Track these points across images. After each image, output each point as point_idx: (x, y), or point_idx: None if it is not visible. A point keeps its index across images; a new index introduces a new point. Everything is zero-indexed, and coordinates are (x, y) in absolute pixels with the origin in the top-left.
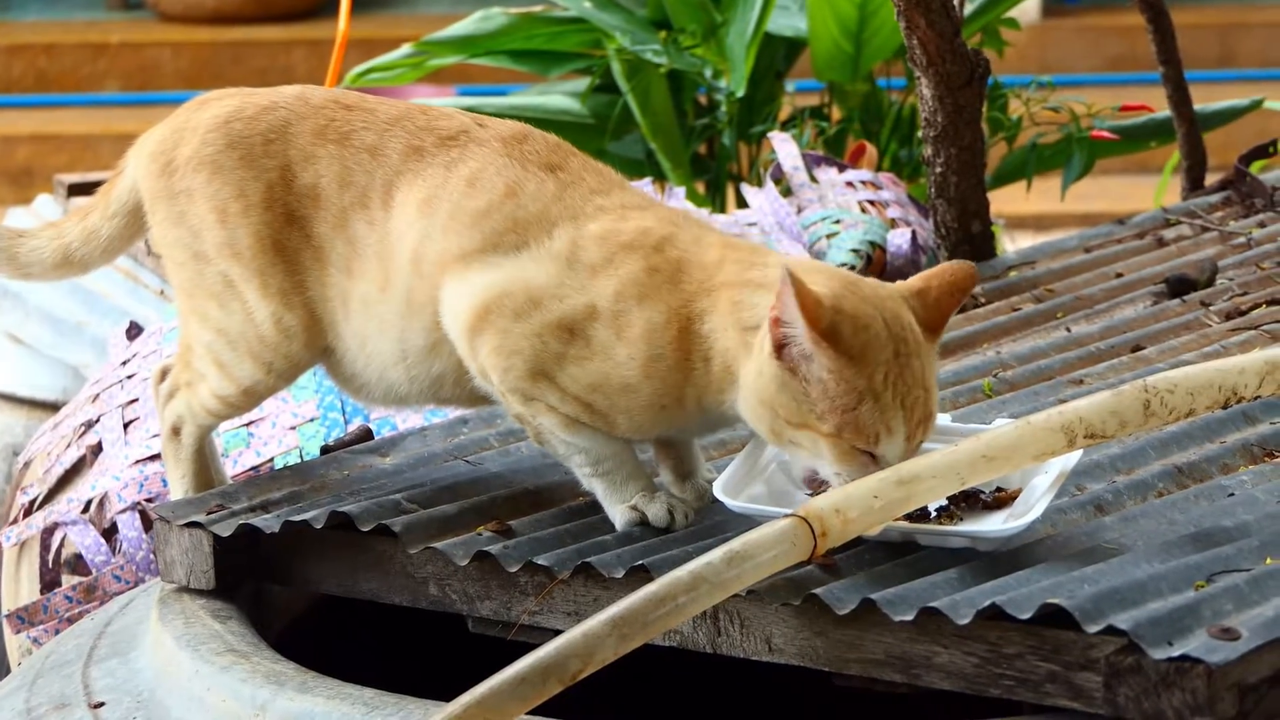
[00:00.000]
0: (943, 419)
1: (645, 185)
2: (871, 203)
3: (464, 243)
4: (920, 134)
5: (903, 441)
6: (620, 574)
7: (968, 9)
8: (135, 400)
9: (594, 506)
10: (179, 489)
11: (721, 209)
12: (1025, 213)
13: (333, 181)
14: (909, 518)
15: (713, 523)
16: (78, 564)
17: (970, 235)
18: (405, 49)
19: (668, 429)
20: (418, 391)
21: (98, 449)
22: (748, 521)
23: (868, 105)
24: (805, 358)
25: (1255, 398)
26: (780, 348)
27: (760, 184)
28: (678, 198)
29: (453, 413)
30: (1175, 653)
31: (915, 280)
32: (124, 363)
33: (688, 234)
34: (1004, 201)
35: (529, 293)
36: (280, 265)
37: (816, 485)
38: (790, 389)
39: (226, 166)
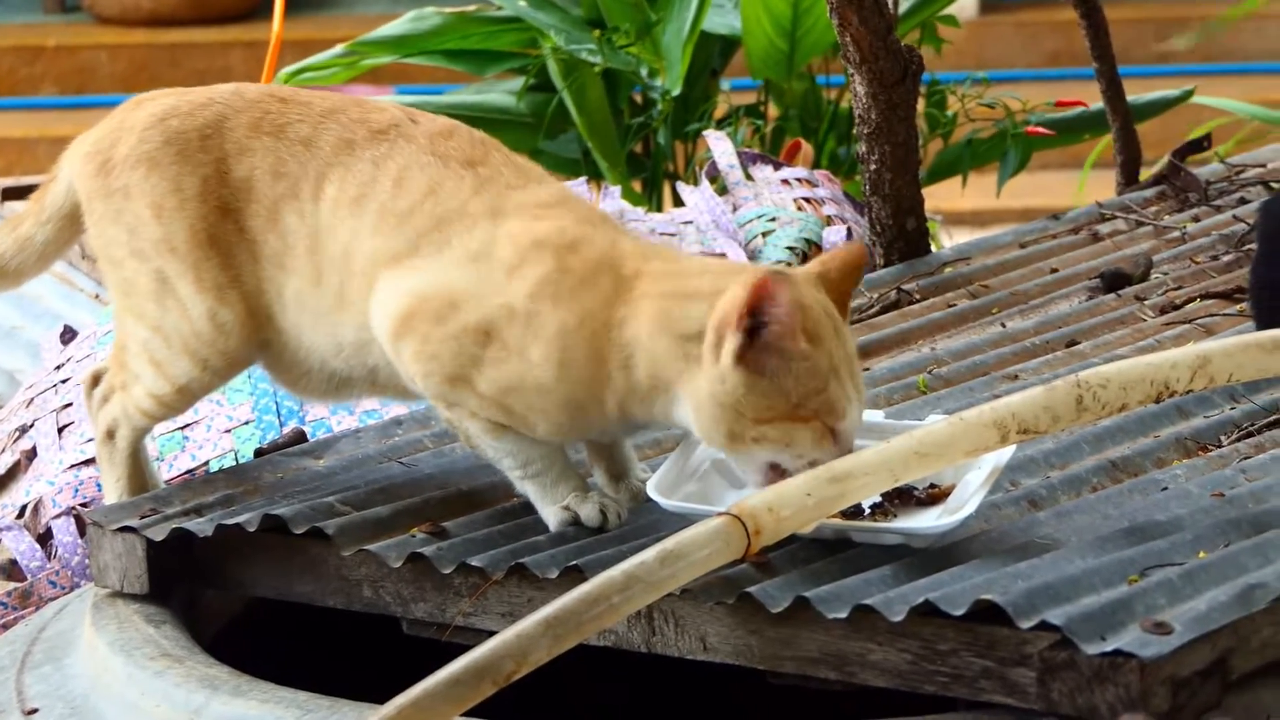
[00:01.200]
0: (875, 416)
1: (580, 184)
2: (807, 200)
3: (393, 245)
4: (855, 131)
5: (857, 413)
6: (554, 574)
7: (904, 6)
8: (70, 405)
9: (528, 507)
10: (114, 493)
11: (658, 207)
12: (963, 209)
13: (266, 174)
14: (843, 515)
15: (646, 522)
16: (12, 570)
17: (905, 232)
18: (339, 49)
19: (588, 432)
20: (358, 379)
21: (32, 454)
22: (681, 520)
23: (803, 103)
24: (778, 354)
25: (1188, 391)
26: (743, 351)
27: (696, 182)
28: (613, 196)
29: (387, 413)
30: (1108, 648)
31: (812, 265)
32: (58, 367)
33: (604, 236)
34: (942, 198)
35: (449, 296)
36: (215, 260)
37: (779, 478)
38: (759, 389)
39: (163, 162)
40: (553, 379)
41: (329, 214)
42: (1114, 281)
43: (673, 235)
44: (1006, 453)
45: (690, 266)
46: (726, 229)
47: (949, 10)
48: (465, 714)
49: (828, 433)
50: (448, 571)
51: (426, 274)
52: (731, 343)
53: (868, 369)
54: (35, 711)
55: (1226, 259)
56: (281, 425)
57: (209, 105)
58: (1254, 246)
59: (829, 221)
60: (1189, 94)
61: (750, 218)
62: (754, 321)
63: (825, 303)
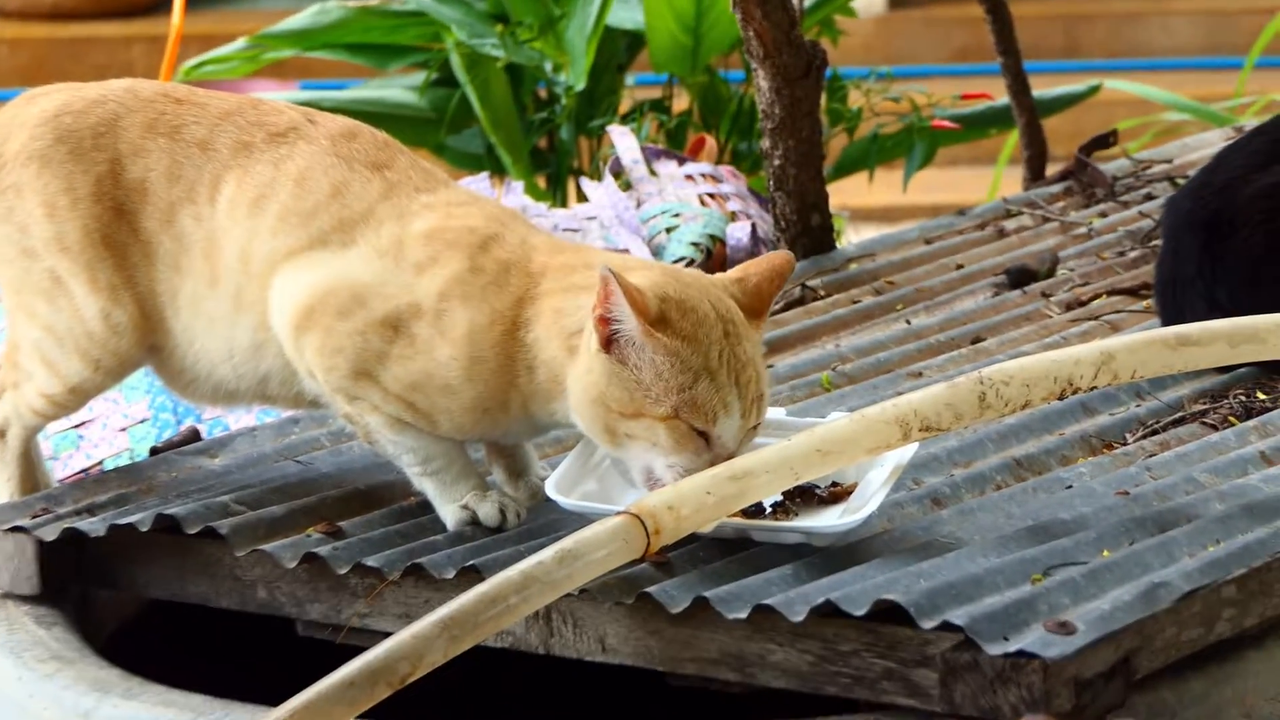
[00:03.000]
0: (778, 413)
1: (483, 180)
2: (711, 196)
3: (292, 243)
4: (759, 126)
5: (738, 419)
6: (451, 574)
7: (809, 1)
8: None
9: (425, 506)
10: (5, 492)
11: (562, 203)
12: (872, 205)
13: (161, 176)
14: (744, 514)
15: (545, 521)
16: None
17: (809, 228)
18: (240, 42)
19: (492, 432)
20: (246, 389)
21: None
22: (580, 520)
23: (708, 98)
24: (635, 347)
25: (1092, 388)
26: (608, 342)
27: (600, 178)
28: (516, 192)
29: (284, 412)
30: (1011, 648)
31: (734, 271)
32: None
33: (514, 235)
34: (850, 194)
35: (354, 291)
36: (109, 260)
37: (655, 484)
38: (621, 379)
39: (55, 160)
40: (460, 379)
41: (225, 217)
42: (1019, 278)
43: (576, 231)
44: (909, 451)
45: (589, 259)
46: (630, 225)
47: (856, 5)
48: (360, 716)
49: (693, 434)
50: (343, 572)
51: (331, 268)
52: (595, 333)
53: (771, 365)
54: None
55: (1133, 255)
56: (178, 423)
57: (103, 103)
58: (1159, 243)
59: (733, 217)
60: (1096, 89)
61: (654, 214)
62: (608, 315)
63: (726, 305)
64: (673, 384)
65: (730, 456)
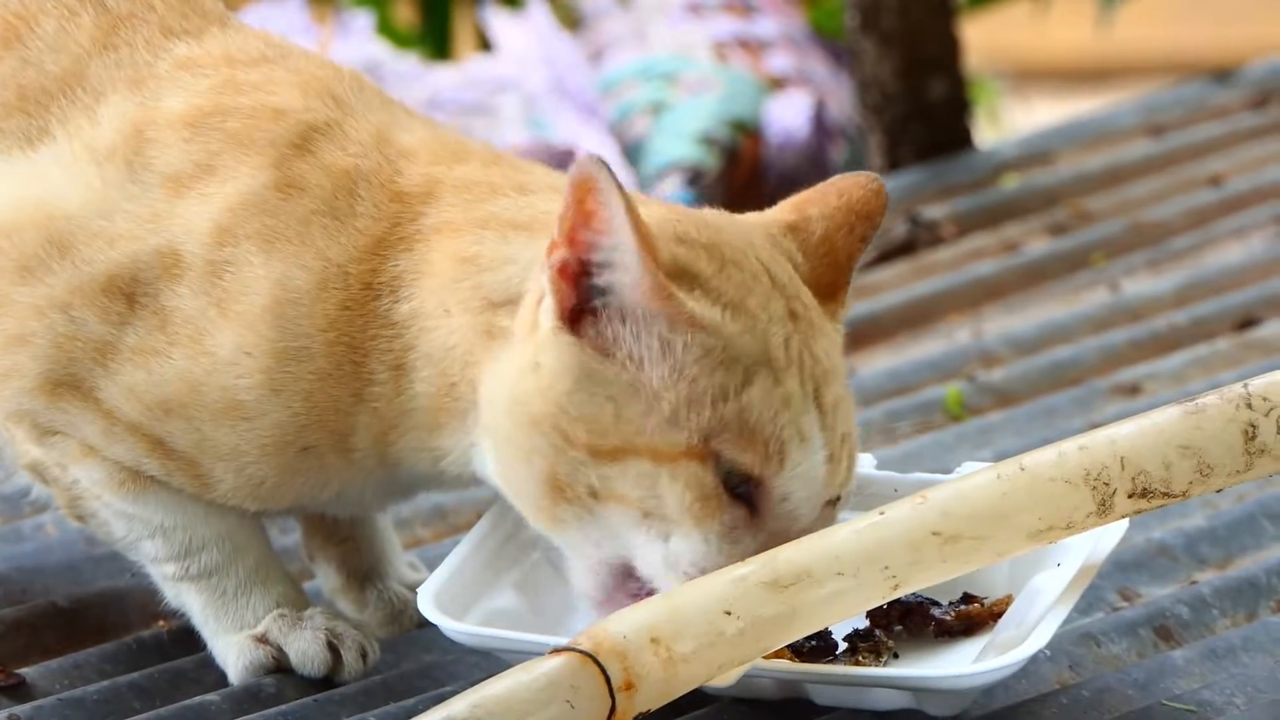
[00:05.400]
0: (862, 462)
1: (293, 9)
2: (744, 46)
3: None
4: None
5: (823, 465)
6: None
7: None
8: None
9: (189, 637)
10: None
11: (441, 52)
12: (1048, 60)
13: None
14: (795, 652)
15: (418, 665)
16: None
17: (925, 105)
18: None
19: (317, 495)
20: None
21: None
22: (488, 661)
23: None
24: (636, 320)
25: None
26: (576, 313)
27: (521, 5)
28: (360, 34)
29: None
30: None
31: (783, 210)
32: None
33: (361, 123)
34: (1005, 37)
35: (49, 227)
36: None
37: (639, 592)
38: (601, 383)
39: None
40: (259, 392)
41: None
42: None
43: (476, 112)
44: (1111, 536)
45: (522, 176)
46: (579, 97)
47: None
48: None
49: (726, 495)
50: None
51: (4, 185)
52: (553, 293)
53: (851, 372)
54: None
55: None
56: None
57: None
58: None
59: (777, 85)
60: None
61: (626, 77)
62: (585, 258)
63: (784, 269)
64: (704, 388)
65: (792, 530)
